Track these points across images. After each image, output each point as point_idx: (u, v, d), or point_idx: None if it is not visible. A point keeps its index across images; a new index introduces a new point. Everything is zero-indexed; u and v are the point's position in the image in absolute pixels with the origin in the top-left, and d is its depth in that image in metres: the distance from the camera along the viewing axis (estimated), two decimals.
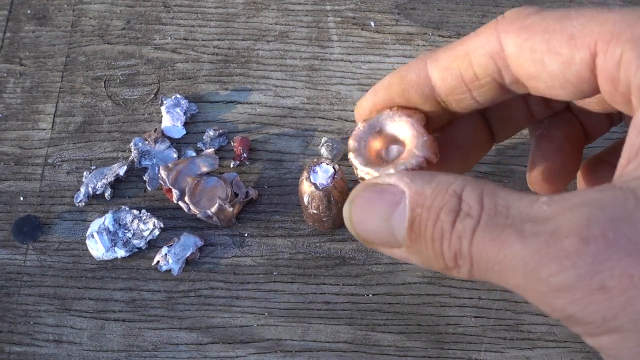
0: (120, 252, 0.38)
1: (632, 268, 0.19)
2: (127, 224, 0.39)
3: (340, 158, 0.41)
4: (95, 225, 0.39)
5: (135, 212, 0.39)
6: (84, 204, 0.40)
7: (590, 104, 0.29)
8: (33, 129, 0.42)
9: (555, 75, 0.23)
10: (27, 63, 0.45)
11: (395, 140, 0.28)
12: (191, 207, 0.39)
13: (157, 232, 0.39)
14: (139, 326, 0.37)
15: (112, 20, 0.46)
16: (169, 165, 0.39)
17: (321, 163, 0.35)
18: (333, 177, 0.35)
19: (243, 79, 0.44)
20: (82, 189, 0.40)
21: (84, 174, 0.40)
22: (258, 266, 0.39)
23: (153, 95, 0.43)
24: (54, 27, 0.46)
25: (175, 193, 0.39)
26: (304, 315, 0.38)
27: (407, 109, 0.28)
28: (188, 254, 0.38)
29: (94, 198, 0.40)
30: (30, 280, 0.39)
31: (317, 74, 0.44)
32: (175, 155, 0.41)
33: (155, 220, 0.39)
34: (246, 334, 0.37)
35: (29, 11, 0.46)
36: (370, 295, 0.38)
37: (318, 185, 0.35)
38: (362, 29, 0.45)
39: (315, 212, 0.36)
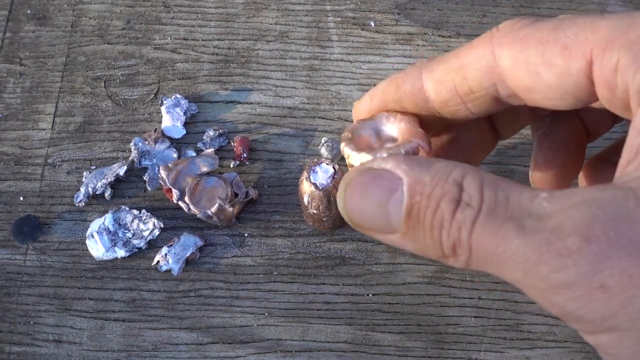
0: (120, 252, 0.38)
1: (632, 267, 0.19)
2: (127, 224, 0.39)
3: (340, 158, 0.41)
4: (95, 225, 0.39)
5: (135, 212, 0.39)
6: (84, 204, 0.40)
7: None
8: (33, 129, 0.42)
9: (551, 86, 0.23)
10: (27, 63, 0.45)
11: (390, 139, 0.28)
12: (191, 207, 0.39)
13: (157, 232, 0.39)
14: (139, 326, 0.37)
15: (112, 20, 0.46)
16: (169, 165, 0.39)
17: (321, 163, 0.35)
18: (333, 177, 0.35)
19: (243, 79, 0.44)
20: (82, 189, 0.40)
21: (84, 174, 0.40)
22: (258, 266, 0.39)
23: (153, 95, 0.43)
24: (54, 27, 0.46)
25: (175, 193, 0.39)
26: (304, 315, 0.37)
27: (403, 113, 0.28)
28: (188, 254, 0.38)
29: (94, 198, 0.40)
30: (30, 280, 0.39)
31: (317, 74, 0.44)
32: (175, 155, 0.41)
33: (155, 220, 0.39)
34: (246, 334, 0.37)
35: (29, 11, 0.46)
36: (370, 295, 0.38)
37: (318, 185, 0.35)
38: (362, 29, 0.45)
39: (315, 212, 0.36)
